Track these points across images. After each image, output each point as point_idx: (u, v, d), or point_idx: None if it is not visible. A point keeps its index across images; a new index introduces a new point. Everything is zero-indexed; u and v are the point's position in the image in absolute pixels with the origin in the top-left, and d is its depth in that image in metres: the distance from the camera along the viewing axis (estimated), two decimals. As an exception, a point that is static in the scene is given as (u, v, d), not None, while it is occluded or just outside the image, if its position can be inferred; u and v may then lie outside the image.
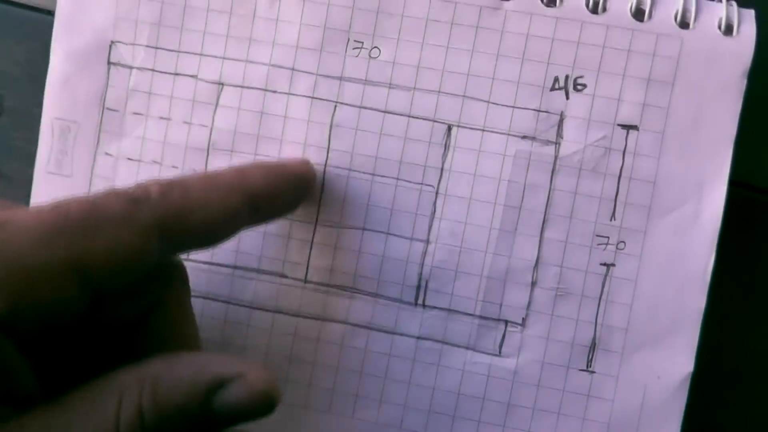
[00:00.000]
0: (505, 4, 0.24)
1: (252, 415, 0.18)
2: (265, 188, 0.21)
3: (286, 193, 0.23)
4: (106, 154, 0.25)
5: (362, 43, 0.24)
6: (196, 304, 0.24)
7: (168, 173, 0.25)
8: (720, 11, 0.23)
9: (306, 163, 0.24)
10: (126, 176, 0.25)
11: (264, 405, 0.18)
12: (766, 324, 0.25)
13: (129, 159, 0.25)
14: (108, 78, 0.25)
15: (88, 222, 0.18)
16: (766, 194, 0.25)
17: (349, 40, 0.24)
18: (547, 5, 0.24)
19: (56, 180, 0.25)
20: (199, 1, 0.24)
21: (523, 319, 0.24)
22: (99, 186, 0.25)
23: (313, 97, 0.24)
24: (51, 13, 0.26)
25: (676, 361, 0.24)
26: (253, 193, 0.21)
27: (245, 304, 0.25)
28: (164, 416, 0.18)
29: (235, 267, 0.25)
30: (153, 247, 0.19)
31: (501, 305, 0.24)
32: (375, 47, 0.24)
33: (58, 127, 0.25)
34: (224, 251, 0.24)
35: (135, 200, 0.19)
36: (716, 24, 0.23)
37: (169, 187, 0.19)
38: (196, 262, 0.25)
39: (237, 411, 0.18)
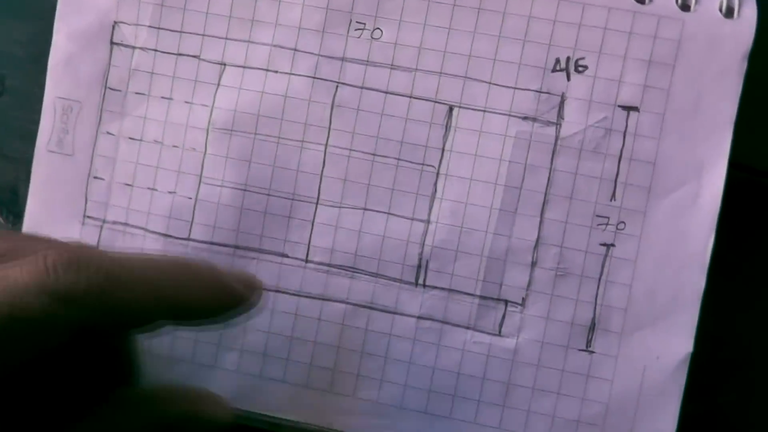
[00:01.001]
0: (507, -15, 0.24)
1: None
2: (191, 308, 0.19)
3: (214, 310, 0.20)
4: (108, 133, 0.25)
5: (364, 24, 0.24)
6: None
7: (168, 153, 0.25)
8: (721, -7, 0.24)
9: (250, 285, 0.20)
10: (127, 155, 0.25)
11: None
12: (765, 305, 0.26)
13: (130, 138, 0.25)
14: (110, 58, 0.25)
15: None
16: (765, 176, 0.25)
17: (351, 21, 0.24)
18: (549, -14, 0.24)
19: (57, 158, 0.25)
20: (202, -18, 0.25)
21: (523, 299, 0.24)
22: (100, 165, 0.25)
23: (314, 77, 0.24)
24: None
25: (676, 341, 0.24)
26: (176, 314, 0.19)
27: (246, 284, 0.25)
28: None
29: (236, 247, 0.25)
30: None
31: (501, 285, 0.24)
32: (377, 28, 0.24)
33: (60, 107, 0.25)
34: (225, 231, 0.25)
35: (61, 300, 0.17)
36: (717, 6, 0.23)
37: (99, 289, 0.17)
38: (197, 242, 0.25)
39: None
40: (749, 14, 0.23)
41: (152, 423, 0.19)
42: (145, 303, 0.18)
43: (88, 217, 0.25)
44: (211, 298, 0.19)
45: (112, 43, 0.25)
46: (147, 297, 0.18)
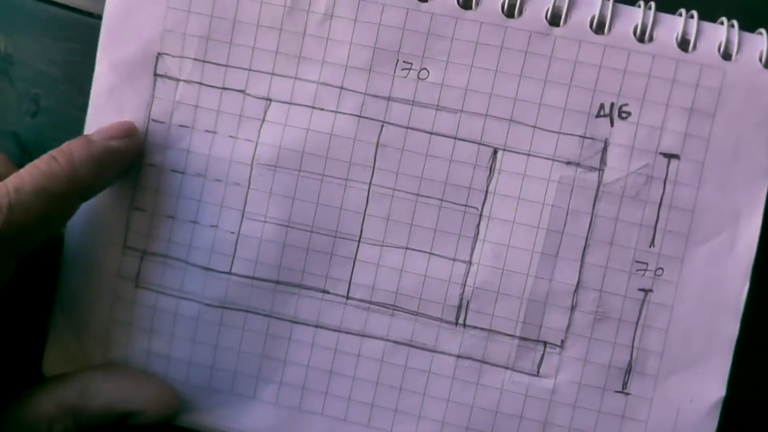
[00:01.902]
0: (555, 30, 0.24)
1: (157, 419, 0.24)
2: (95, 182, 0.24)
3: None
4: (151, 165, 0.25)
5: (411, 64, 0.24)
6: (238, 318, 0.25)
7: (211, 186, 0.25)
8: (762, 44, 0.24)
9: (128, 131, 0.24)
10: (169, 187, 0.25)
11: (166, 420, 0.24)
12: (794, 350, 0.26)
13: (173, 170, 0.25)
14: (154, 90, 0.25)
15: None
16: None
17: (398, 60, 0.24)
18: (596, 32, 0.24)
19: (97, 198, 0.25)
20: (249, 16, 0.24)
21: (562, 341, 0.24)
22: (142, 196, 0.25)
23: (360, 116, 0.24)
24: (91, 15, 0.26)
25: (709, 385, 0.24)
26: (85, 193, 0.24)
27: (287, 319, 0.25)
28: None
29: (278, 282, 0.25)
30: None
31: (541, 327, 0.24)
32: (423, 69, 0.24)
33: (103, 137, 0.25)
34: (267, 266, 0.25)
35: None
36: (757, 57, 0.24)
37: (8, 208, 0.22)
38: (239, 276, 0.25)
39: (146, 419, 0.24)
40: (789, 66, 0.24)
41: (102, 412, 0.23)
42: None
43: (129, 247, 0.25)
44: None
45: (155, 74, 0.25)
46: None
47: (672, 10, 0.24)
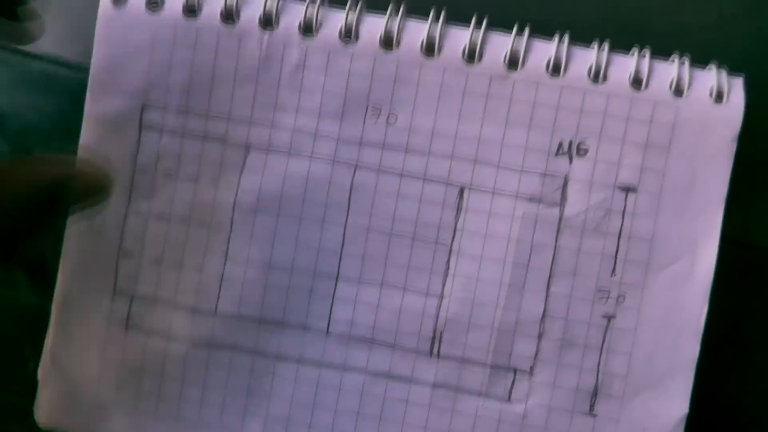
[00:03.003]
0: (513, 73, 0.25)
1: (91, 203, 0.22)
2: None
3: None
4: (137, 212, 0.26)
5: (380, 109, 0.26)
6: (224, 356, 0.26)
7: (195, 231, 0.26)
8: (711, 79, 0.25)
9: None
10: (155, 233, 0.26)
11: (102, 194, 0.22)
12: (755, 369, 0.27)
13: (159, 217, 0.26)
14: (140, 140, 0.26)
15: None
16: (754, 249, 0.27)
17: (368, 106, 0.26)
18: (552, 75, 0.25)
19: (88, 236, 0.26)
20: (227, 68, 0.26)
21: (531, 368, 0.26)
22: (129, 242, 0.26)
23: (334, 161, 0.26)
24: (81, 68, 0.28)
25: (673, 403, 0.26)
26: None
27: (271, 355, 0.26)
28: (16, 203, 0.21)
29: (261, 320, 0.26)
30: None
31: (511, 355, 0.26)
32: (392, 113, 0.26)
33: (92, 188, 0.26)
34: (250, 305, 0.26)
35: None
36: (708, 92, 0.25)
37: None
38: (223, 316, 0.26)
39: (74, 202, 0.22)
40: (737, 99, 0.25)
41: (27, 187, 0.21)
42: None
43: (118, 292, 0.26)
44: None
45: (141, 125, 0.26)
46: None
47: (626, 48, 0.26)
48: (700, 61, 0.26)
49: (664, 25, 0.27)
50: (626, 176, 0.25)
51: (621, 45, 0.26)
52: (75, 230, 0.26)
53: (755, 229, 0.27)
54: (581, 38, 0.26)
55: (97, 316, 0.26)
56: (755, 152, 0.27)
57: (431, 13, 0.26)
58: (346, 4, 0.26)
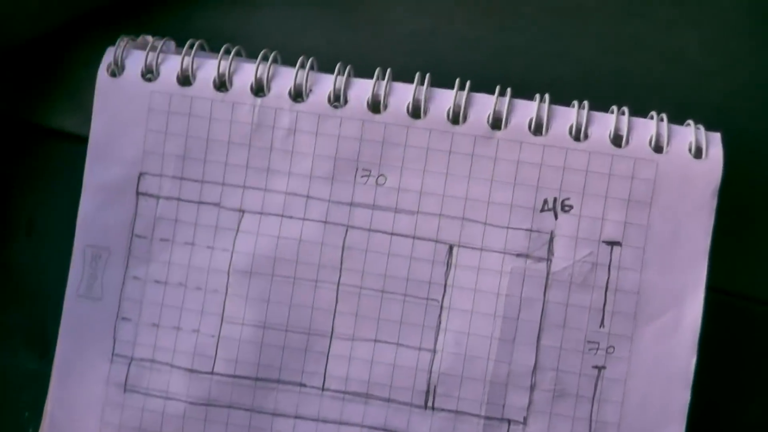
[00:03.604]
0: (497, 133, 0.26)
1: None
2: None
3: None
4: (135, 278, 0.27)
5: (370, 171, 0.27)
6: (221, 413, 0.27)
7: (192, 294, 0.27)
8: (690, 135, 0.26)
9: None
10: (153, 297, 0.27)
11: None
12: (746, 416, 0.28)
13: (156, 281, 0.27)
14: (137, 207, 0.27)
15: None
16: (741, 299, 0.28)
17: (357, 168, 0.27)
18: (534, 134, 0.26)
19: (86, 303, 0.27)
20: (221, 135, 0.27)
21: (525, 418, 0.26)
22: (127, 307, 0.27)
23: (326, 222, 0.27)
24: (80, 139, 0.28)
25: (666, 453, 0.26)
26: None
27: (268, 412, 0.27)
28: None
29: (257, 379, 0.27)
30: None
31: (504, 406, 0.26)
32: (381, 175, 0.27)
33: (90, 254, 0.27)
34: (247, 365, 0.26)
35: None
36: (687, 148, 0.26)
37: None
38: (221, 375, 0.27)
39: None
40: (716, 154, 0.26)
41: None
42: None
43: (117, 355, 0.27)
44: None
45: (138, 193, 0.27)
46: None
47: (606, 106, 0.27)
48: (678, 117, 0.27)
49: (642, 83, 0.28)
50: (610, 231, 0.26)
51: (601, 103, 0.27)
52: (74, 296, 0.27)
53: (741, 279, 0.28)
54: (562, 97, 0.27)
55: (96, 380, 0.27)
56: (738, 203, 0.27)
57: (416, 76, 0.27)
58: (334, 68, 0.27)
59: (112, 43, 0.28)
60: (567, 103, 0.27)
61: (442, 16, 0.29)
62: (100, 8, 0.29)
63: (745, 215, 0.28)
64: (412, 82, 0.27)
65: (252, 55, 0.27)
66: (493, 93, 0.27)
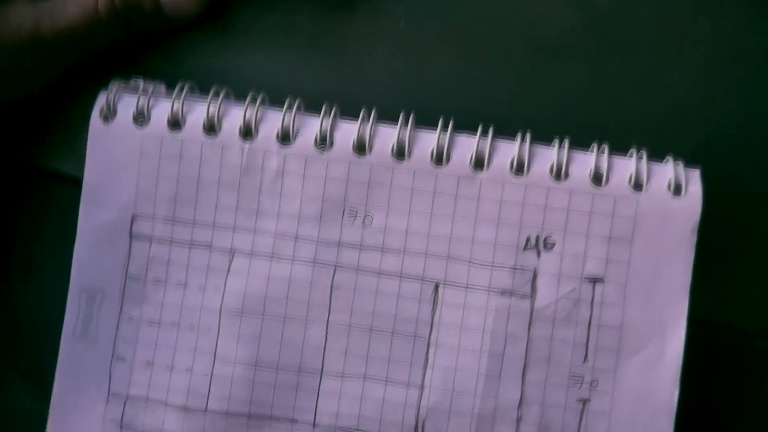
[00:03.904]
0: (479, 174, 0.27)
1: (186, 6, 0.29)
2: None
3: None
4: (129, 318, 0.28)
5: (356, 211, 0.27)
6: (216, 451, 0.27)
7: (185, 334, 0.27)
8: (669, 173, 0.27)
9: None
10: (147, 337, 0.27)
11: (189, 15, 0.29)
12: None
13: (150, 322, 0.28)
14: (130, 249, 0.28)
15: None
16: (723, 330, 0.28)
17: (344, 209, 0.27)
18: (516, 174, 0.27)
19: (82, 344, 0.28)
20: (211, 178, 0.27)
21: (511, 453, 0.27)
22: (122, 347, 0.28)
23: (314, 263, 0.27)
24: (76, 181, 0.29)
25: (650, 484, 0.26)
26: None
27: (260, 449, 0.27)
28: (127, 3, 0.28)
29: (250, 416, 0.27)
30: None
31: (491, 441, 0.27)
32: (368, 215, 0.27)
33: (85, 296, 0.28)
34: (239, 402, 0.27)
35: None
36: (666, 185, 0.27)
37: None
38: (213, 413, 0.27)
39: (175, 1, 0.28)
40: (695, 191, 0.26)
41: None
42: None
43: (112, 393, 0.28)
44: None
45: (131, 235, 0.28)
46: None
47: (587, 142, 0.27)
48: (658, 152, 0.27)
49: (623, 119, 0.29)
50: (592, 268, 0.27)
51: (582, 138, 0.27)
52: (70, 337, 0.28)
53: (722, 311, 0.28)
54: (544, 134, 0.27)
55: (92, 418, 0.28)
56: (720, 236, 0.28)
57: (401, 117, 0.27)
58: (321, 106, 0.27)
59: (105, 84, 0.28)
60: (549, 140, 0.27)
61: (425, 54, 0.29)
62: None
63: (727, 247, 0.28)
64: (396, 120, 0.27)
65: (241, 95, 0.28)
66: (476, 130, 0.27)
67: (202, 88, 0.29)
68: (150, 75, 0.29)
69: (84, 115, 0.28)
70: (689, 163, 0.27)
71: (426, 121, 0.27)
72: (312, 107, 0.28)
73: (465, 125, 0.27)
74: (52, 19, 0.28)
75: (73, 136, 0.30)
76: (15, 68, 0.28)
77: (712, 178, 0.27)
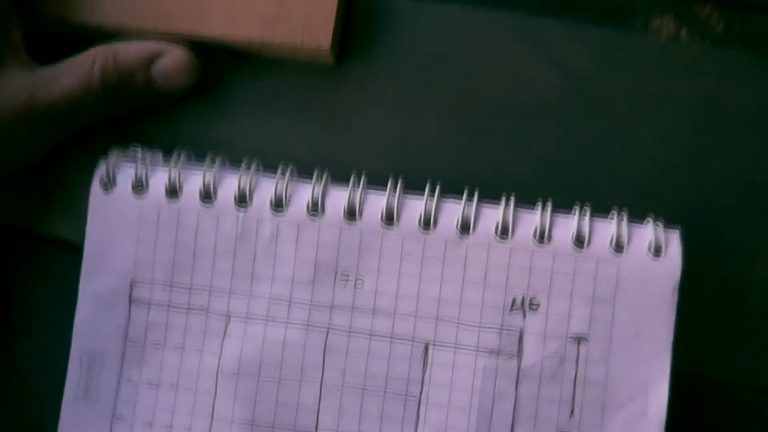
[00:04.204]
0: (466, 238, 0.28)
1: (177, 81, 0.30)
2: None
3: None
4: (129, 380, 0.29)
5: (348, 275, 0.28)
6: None
7: (183, 396, 0.28)
8: (649, 235, 0.28)
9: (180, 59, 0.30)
10: (146, 399, 0.28)
11: (186, 73, 0.30)
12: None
13: (149, 384, 0.28)
14: (130, 313, 0.29)
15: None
16: (706, 382, 0.29)
17: (336, 273, 0.28)
18: (501, 237, 0.28)
19: (83, 405, 0.29)
20: (207, 244, 0.28)
21: None
22: (122, 408, 0.28)
23: (308, 325, 0.28)
24: (75, 246, 0.30)
25: None
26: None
27: (257, 508, 0.28)
28: (121, 73, 0.29)
29: (247, 475, 0.28)
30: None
31: (481, 497, 0.28)
32: (359, 279, 0.28)
33: (86, 359, 0.29)
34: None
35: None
36: (646, 247, 0.27)
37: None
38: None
39: (167, 76, 0.30)
40: (674, 252, 0.27)
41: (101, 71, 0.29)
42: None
43: (115, 453, 0.28)
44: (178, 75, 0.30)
45: (130, 300, 0.29)
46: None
47: (570, 201, 0.28)
48: (639, 210, 0.28)
49: (604, 179, 0.30)
50: (577, 327, 0.28)
51: (565, 198, 0.28)
52: (71, 398, 0.29)
53: (705, 363, 0.29)
54: (528, 195, 0.28)
55: (95, 480, 0.28)
56: (701, 291, 0.29)
57: (389, 183, 0.28)
58: (312, 170, 0.29)
59: (104, 151, 0.29)
60: (532, 201, 0.28)
61: (412, 120, 0.30)
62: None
63: (709, 301, 0.29)
64: (385, 184, 0.28)
65: (234, 158, 0.29)
66: (462, 193, 0.28)
67: (197, 153, 0.30)
68: (146, 141, 0.30)
69: (83, 178, 0.29)
70: (670, 220, 0.28)
71: (413, 184, 0.29)
72: (304, 170, 0.29)
73: (451, 187, 0.28)
74: (47, 90, 0.28)
75: (73, 201, 0.31)
76: (9, 138, 0.28)
77: (692, 234, 0.28)
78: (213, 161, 0.29)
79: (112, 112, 0.30)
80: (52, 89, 0.28)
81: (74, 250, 0.29)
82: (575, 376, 0.27)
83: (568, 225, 0.28)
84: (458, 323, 0.28)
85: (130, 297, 0.29)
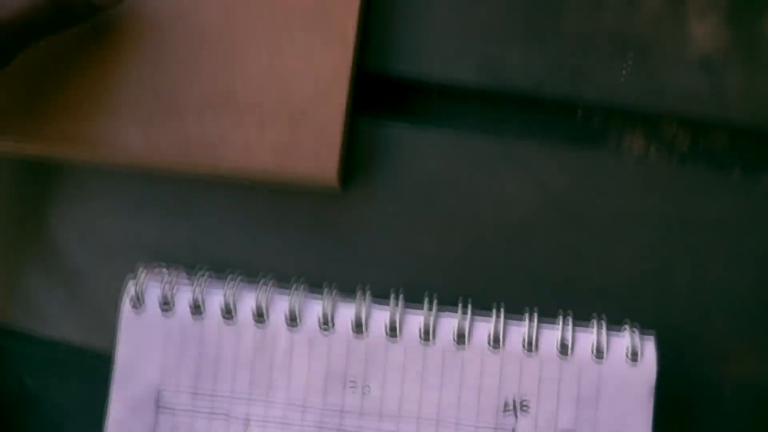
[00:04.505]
0: (462, 350, 0.31)
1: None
2: None
3: None
4: (159, 481, 0.31)
5: (356, 382, 0.31)
6: None
7: (209, 494, 0.31)
8: (626, 342, 0.31)
9: None
10: (176, 498, 0.31)
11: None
12: None
13: (177, 485, 0.31)
14: (156, 419, 0.32)
15: None
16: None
17: (345, 381, 0.31)
18: (493, 348, 0.31)
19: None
20: (228, 356, 0.32)
21: None
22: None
23: (320, 429, 0.31)
24: (104, 355, 0.33)
25: None
26: None
27: None
28: None
29: None
30: None
31: None
32: (366, 385, 0.31)
33: (120, 463, 0.32)
34: None
35: None
36: (624, 353, 0.31)
37: None
38: None
39: None
40: (650, 357, 0.31)
41: None
42: None
43: None
44: None
45: (157, 406, 0.32)
46: None
47: (554, 310, 0.32)
48: (617, 317, 0.32)
49: (584, 289, 0.33)
50: (564, 425, 0.31)
51: (550, 307, 0.32)
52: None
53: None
54: (516, 304, 0.32)
55: None
56: (677, 390, 0.32)
57: (392, 298, 0.32)
58: (322, 283, 0.32)
59: (129, 261, 0.33)
60: (520, 309, 0.32)
61: (410, 236, 0.34)
62: (122, 237, 0.34)
63: (685, 399, 0.32)
64: (387, 296, 0.32)
65: (251, 274, 0.33)
66: (456, 303, 0.31)
67: (216, 269, 0.33)
68: (168, 259, 0.34)
69: (110, 290, 0.33)
70: (645, 325, 0.31)
71: (413, 297, 0.32)
72: (313, 284, 0.32)
73: (447, 299, 0.32)
74: (2, 8, 0.31)
75: (101, 311, 0.34)
76: None
77: (668, 337, 0.31)
78: (233, 280, 0.32)
79: (58, 28, 0.33)
80: (4, 8, 0.30)
81: (100, 358, 0.33)
82: (563, 472, 0.30)
83: (552, 335, 0.31)
84: (457, 423, 0.31)
85: (157, 404, 0.32)
